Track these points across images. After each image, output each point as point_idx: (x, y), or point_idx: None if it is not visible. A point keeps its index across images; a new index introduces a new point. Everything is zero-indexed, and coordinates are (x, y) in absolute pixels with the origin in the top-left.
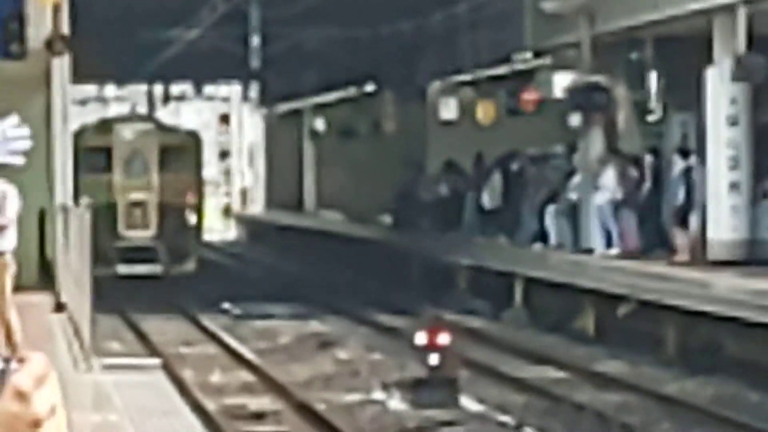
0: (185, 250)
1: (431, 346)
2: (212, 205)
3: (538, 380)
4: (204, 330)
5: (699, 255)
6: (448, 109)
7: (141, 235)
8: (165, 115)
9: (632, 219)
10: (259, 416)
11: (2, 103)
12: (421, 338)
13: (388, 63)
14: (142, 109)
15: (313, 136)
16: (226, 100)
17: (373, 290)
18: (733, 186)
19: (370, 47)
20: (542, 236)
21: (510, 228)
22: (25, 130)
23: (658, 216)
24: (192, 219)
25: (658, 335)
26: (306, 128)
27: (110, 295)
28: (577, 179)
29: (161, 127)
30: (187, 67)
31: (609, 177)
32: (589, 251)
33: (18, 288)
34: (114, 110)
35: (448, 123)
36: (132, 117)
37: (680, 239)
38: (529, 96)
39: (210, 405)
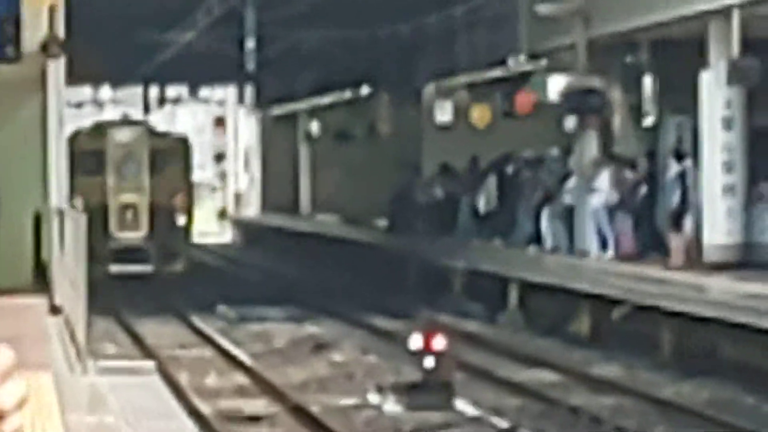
0: (175, 250)
1: (426, 350)
2: (208, 208)
3: (533, 383)
4: (199, 333)
5: (694, 258)
6: (444, 112)
7: (132, 236)
8: (160, 117)
9: (627, 222)
10: (254, 419)
11: None
12: (416, 341)
13: (383, 66)
14: (137, 112)
15: (309, 138)
16: (221, 102)
17: (368, 293)
18: (728, 189)
19: (366, 50)
20: (537, 239)
21: (505, 231)
22: None
23: (653, 219)
24: (181, 220)
25: (653, 338)
26: (301, 131)
27: (105, 295)
28: (572, 182)
29: (152, 132)
30: (182, 70)
31: (604, 180)
32: (585, 254)
33: (13, 290)
34: (109, 113)
35: (443, 126)
36: (125, 122)
37: (675, 242)
38: (525, 99)
39: (205, 408)
